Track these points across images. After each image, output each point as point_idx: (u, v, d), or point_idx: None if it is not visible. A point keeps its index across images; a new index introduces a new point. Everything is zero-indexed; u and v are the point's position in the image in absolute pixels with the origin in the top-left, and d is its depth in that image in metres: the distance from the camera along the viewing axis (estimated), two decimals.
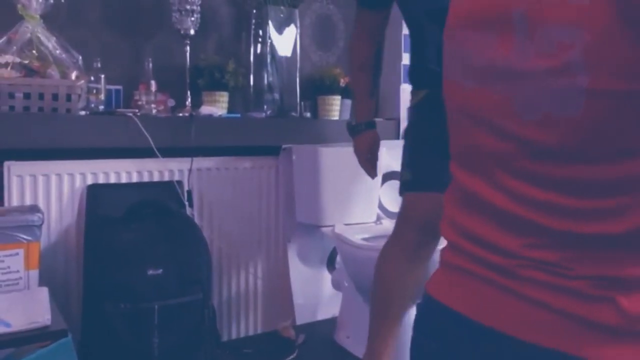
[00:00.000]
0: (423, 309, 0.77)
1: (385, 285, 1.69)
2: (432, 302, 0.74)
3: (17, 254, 1.56)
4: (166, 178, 2.10)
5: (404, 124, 2.52)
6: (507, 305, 0.63)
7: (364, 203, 2.33)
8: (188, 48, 2.22)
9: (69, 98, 1.84)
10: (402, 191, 1.69)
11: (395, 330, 1.70)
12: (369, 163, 1.85)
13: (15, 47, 1.80)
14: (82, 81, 1.88)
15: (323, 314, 2.45)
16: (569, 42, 0.54)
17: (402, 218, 1.68)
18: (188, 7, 2.15)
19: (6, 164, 1.84)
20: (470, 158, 0.69)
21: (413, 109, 1.71)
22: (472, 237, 0.68)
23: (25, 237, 1.57)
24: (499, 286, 0.64)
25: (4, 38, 1.81)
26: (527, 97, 0.59)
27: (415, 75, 1.71)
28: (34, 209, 1.69)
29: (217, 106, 2.26)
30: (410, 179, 1.65)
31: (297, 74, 2.51)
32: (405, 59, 2.68)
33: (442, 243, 0.79)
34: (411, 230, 1.63)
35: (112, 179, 2.01)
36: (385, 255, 1.70)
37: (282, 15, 2.45)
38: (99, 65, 2.05)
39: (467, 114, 0.67)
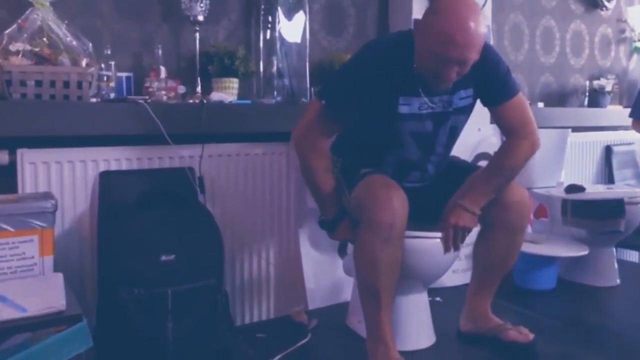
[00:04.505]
0: None
1: (372, 270, 1.71)
2: None
3: (31, 240, 1.57)
4: (177, 164, 2.10)
5: None
6: None
7: None
8: (198, 35, 2.21)
9: (80, 85, 1.85)
10: (363, 176, 1.79)
11: (389, 310, 1.75)
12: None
13: (25, 35, 1.81)
14: (93, 68, 1.89)
15: (335, 299, 2.45)
16: None
17: (372, 201, 1.71)
18: None
19: (19, 151, 1.85)
20: None
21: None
22: None
23: (39, 223, 1.58)
24: None
25: (14, 26, 1.82)
26: None
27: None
28: (48, 195, 1.70)
29: (228, 92, 2.26)
30: (371, 170, 1.83)
31: (307, 60, 2.50)
32: None
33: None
34: (386, 213, 1.67)
35: (124, 166, 2.02)
36: (363, 242, 1.73)
37: (291, 1, 2.44)
38: (109, 52, 2.06)
39: None
